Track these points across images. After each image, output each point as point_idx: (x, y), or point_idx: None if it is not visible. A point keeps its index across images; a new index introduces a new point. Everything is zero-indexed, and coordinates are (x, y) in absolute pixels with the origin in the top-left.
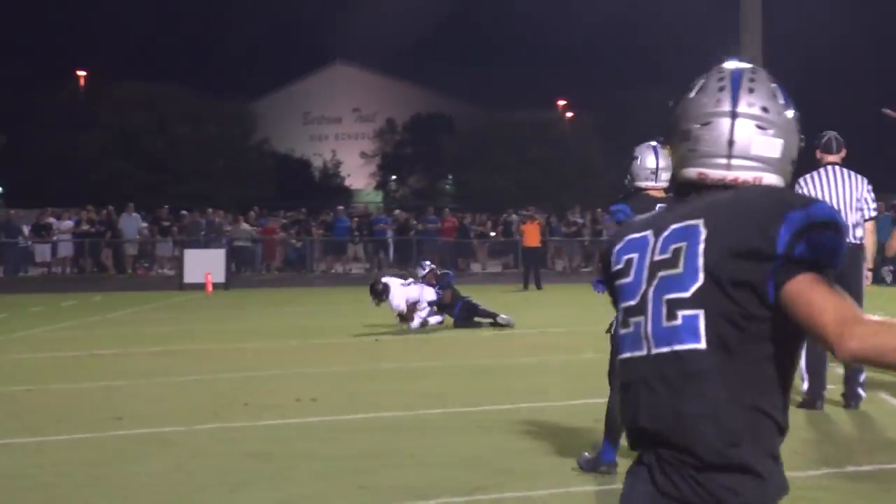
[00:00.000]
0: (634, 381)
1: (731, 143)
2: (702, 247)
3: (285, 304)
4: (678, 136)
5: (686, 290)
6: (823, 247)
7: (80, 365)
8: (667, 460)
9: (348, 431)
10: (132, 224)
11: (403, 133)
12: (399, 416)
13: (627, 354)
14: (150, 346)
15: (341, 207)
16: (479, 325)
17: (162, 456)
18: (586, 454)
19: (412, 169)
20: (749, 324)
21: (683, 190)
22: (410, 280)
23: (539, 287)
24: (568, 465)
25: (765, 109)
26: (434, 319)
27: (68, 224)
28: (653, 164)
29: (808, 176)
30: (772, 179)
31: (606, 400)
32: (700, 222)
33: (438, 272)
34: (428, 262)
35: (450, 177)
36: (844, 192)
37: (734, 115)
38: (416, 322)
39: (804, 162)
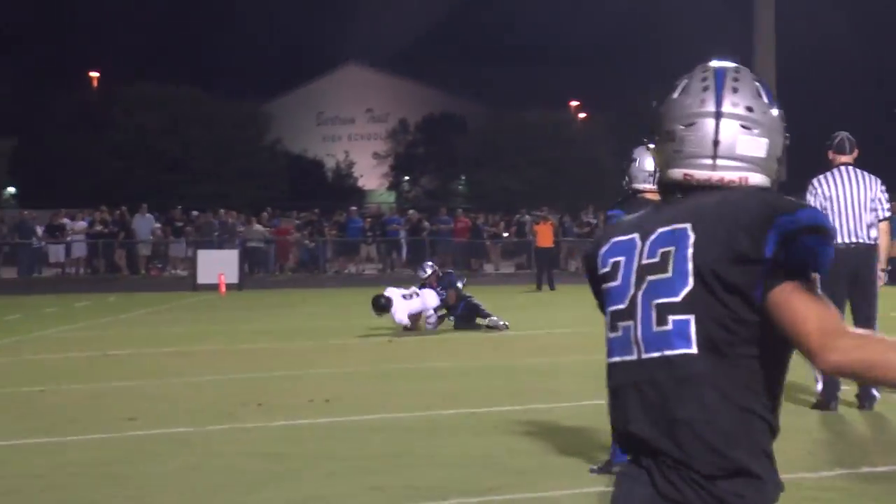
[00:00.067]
0: (624, 385)
1: (716, 143)
2: (690, 251)
3: (298, 305)
4: (663, 137)
5: (676, 294)
6: (811, 251)
7: (94, 365)
8: (666, 464)
9: (361, 432)
10: (145, 225)
11: (416, 133)
12: (412, 416)
13: (617, 359)
14: (164, 347)
15: (354, 208)
16: (479, 326)
17: (176, 456)
18: (593, 467)
19: (425, 169)
20: (740, 327)
21: (669, 191)
22: (413, 290)
23: (552, 288)
24: (580, 465)
25: (749, 109)
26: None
27: (82, 225)
28: (651, 167)
29: (821, 177)
30: (757, 179)
31: None
32: (688, 226)
33: (440, 273)
34: (430, 264)
35: (462, 177)
36: (858, 193)
37: (718, 115)
38: (430, 326)
39: (817, 163)
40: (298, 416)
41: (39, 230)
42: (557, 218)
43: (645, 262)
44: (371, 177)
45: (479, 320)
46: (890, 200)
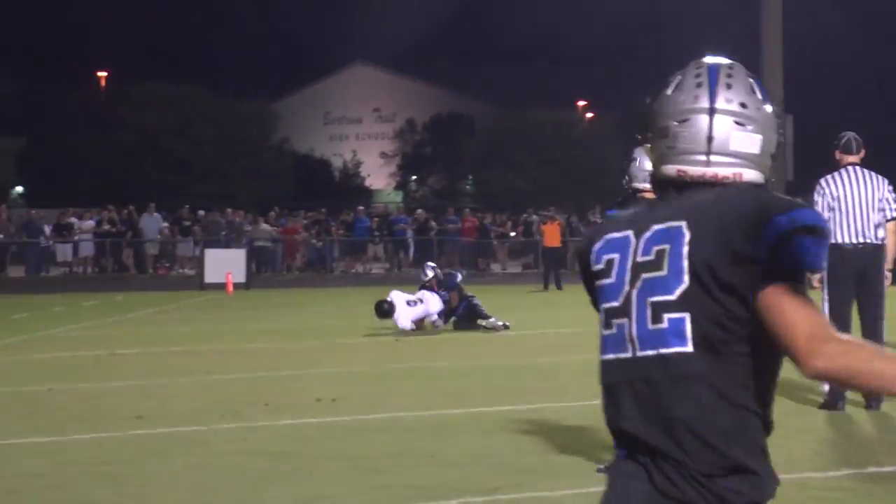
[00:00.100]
0: (618, 382)
1: (709, 139)
2: (686, 249)
3: (305, 305)
4: (656, 134)
5: (671, 292)
6: (807, 251)
7: (102, 364)
8: (665, 462)
9: (368, 431)
10: (153, 224)
11: (423, 133)
12: (418, 415)
13: (611, 356)
14: (171, 346)
15: (361, 207)
16: (479, 327)
17: (182, 455)
18: (600, 466)
19: (432, 169)
20: (735, 325)
21: (662, 187)
22: (417, 297)
23: (559, 287)
24: (585, 464)
25: (743, 105)
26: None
27: (90, 224)
28: (651, 166)
29: (828, 177)
30: (751, 175)
31: None
32: (683, 224)
33: (441, 276)
34: (431, 265)
35: (470, 177)
36: (866, 193)
37: (712, 111)
38: (436, 328)
39: (824, 163)
40: (305, 415)
41: (47, 229)
42: (565, 218)
43: (640, 259)
44: (378, 176)
45: (479, 321)
46: None
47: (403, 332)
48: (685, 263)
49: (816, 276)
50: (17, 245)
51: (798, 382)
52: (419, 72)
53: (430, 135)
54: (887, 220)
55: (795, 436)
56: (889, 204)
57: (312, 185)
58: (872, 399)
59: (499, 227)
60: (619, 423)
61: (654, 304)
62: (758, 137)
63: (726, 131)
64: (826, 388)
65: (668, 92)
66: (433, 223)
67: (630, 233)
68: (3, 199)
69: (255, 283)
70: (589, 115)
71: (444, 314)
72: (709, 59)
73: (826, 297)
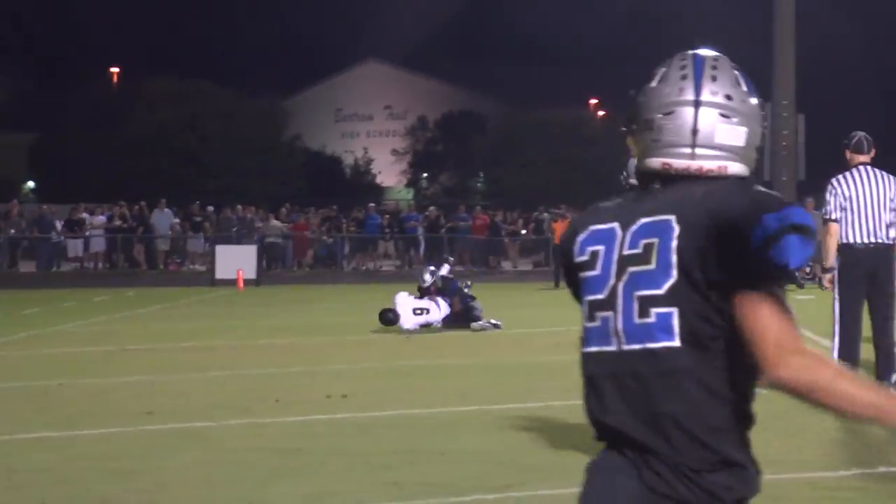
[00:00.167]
0: (602, 375)
1: (694, 132)
2: (675, 244)
3: (316, 301)
4: (641, 126)
5: (659, 287)
6: (794, 251)
7: (112, 360)
8: (653, 457)
9: (378, 428)
10: (164, 220)
11: (435, 130)
12: (429, 412)
13: (594, 349)
14: (182, 342)
15: (372, 204)
16: (468, 327)
17: (192, 450)
18: None
19: (443, 166)
20: (722, 321)
21: (647, 180)
22: (424, 306)
23: None
24: None
25: (728, 97)
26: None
27: (101, 219)
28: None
29: (840, 177)
30: (736, 168)
31: None
32: (672, 218)
33: (440, 282)
34: (431, 269)
35: (481, 174)
36: (877, 192)
37: (697, 103)
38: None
39: (835, 163)
40: (314, 411)
41: (58, 225)
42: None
43: (626, 252)
44: (389, 174)
45: (471, 324)
46: None
47: (422, 328)
48: (674, 258)
49: (827, 276)
50: (28, 240)
51: None
52: (431, 69)
53: (441, 132)
54: None
55: (806, 435)
56: None
57: (323, 181)
58: None
59: (510, 224)
60: (603, 416)
61: (642, 298)
62: (743, 130)
63: (711, 124)
64: None
65: (653, 84)
66: (443, 221)
67: (616, 225)
68: (14, 194)
69: (265, 279)
70: (601, 112)
71: (449, 319)
72: (694, 51)
73: (837, 296)
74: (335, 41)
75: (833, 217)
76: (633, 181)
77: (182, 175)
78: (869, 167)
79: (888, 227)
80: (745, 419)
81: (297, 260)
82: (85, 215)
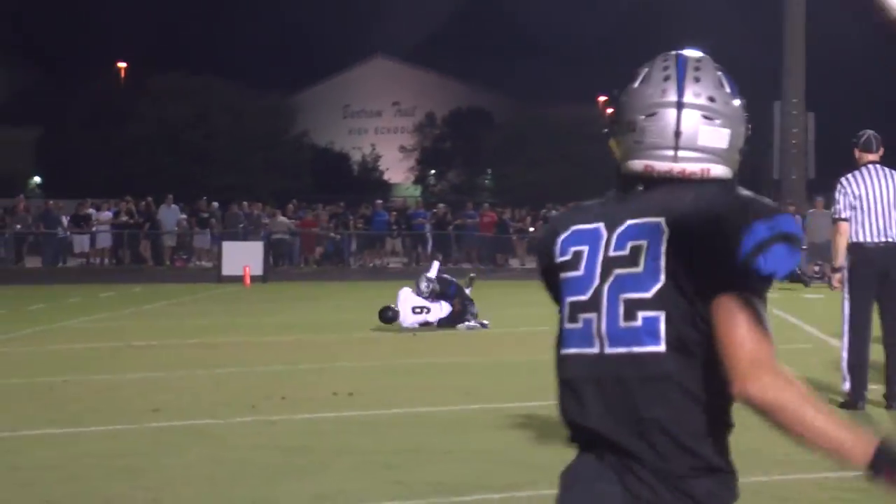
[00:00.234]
0: (582, 378)
1: (677, 134)
2: (664, 247)
3: (323, 298)
4: (623, 128)
5: (646, 290)
6: (782, 260)
7: (118, 356)
8: (636, 464)
9: (385, 426)
10: (171, 215)
11: (443, 127)
12: (435, 411)
13: (574, 350)
14: (188, 338)
15: (380, 201)
16: (460, 326)
17: (198, 448)
18: None
19: (451, 163)
20: (707, 327)
21: (629, 182)
22: (424, 306)
23: None
24: None
25: (711, 99)
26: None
27: (107, 215)
28: None
29: (849, 175)
30: (719, 171)
31: None
32: (661, 221)
33: (438, 287)
34: (430, 277)
35: (489, 171)
36: (888, 191)
37: (680, 105)
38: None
39: (845, 161)
40: (321, 409)
41: (65, 220)
42: None
43: (612, 254)
44: (397, 170)
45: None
46: None
47: (428, 326)
48: (662, 261)
49: (836, 276)
50: (34, 235)
51: (818, 383)
52: (439, 65)
53: (449, 129)
54: None
55: None
56: None
57: (331, 178)
58: (893, 399)
59: (517, 222)
60: (583, 420)
61: (628, 301)
62: (726, 132)
63: (694, 126)
64: (847, 387)
65: (635, 85)
66: (450, 218)
67: (600, 225)
68: (20, 189)
69: (272, 276)
70: (609, 110)
71: (449, 320)
72: (677, 52)
73: (847, 296)
74: (343, 37)
75: (843, 216)
76: None
77: (189, 171)
78: (878, 166)
79: None
80: (726, 425)
81: (305, 257)
82: (91, 211)
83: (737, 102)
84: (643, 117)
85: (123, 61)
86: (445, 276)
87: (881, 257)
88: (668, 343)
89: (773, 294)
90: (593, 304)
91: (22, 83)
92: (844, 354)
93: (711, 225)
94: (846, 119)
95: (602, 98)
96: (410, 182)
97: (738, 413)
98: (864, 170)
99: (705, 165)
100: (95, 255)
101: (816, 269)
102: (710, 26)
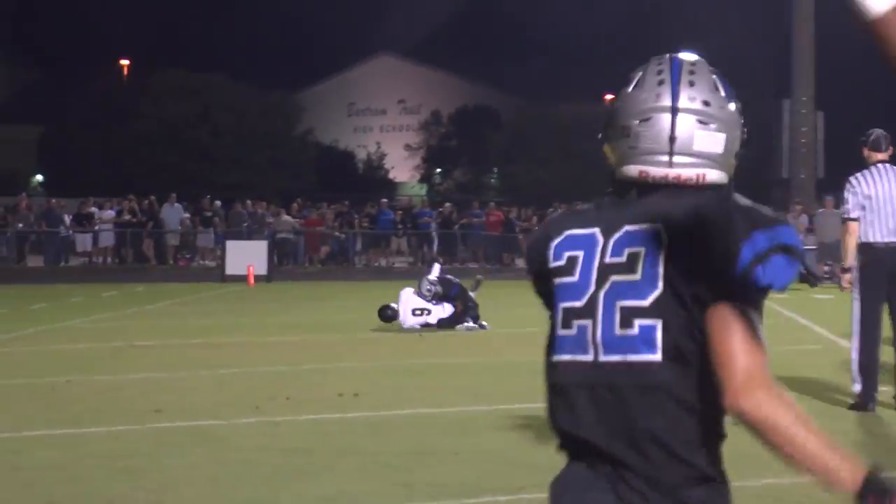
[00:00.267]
0: (574, 385)
1: (672, 139)
2: (662, 255)
3: (327, 298)
4: (617, 133)
5: (644, 298)
6: (780, 272)
7: (120, 356)
8: (630, 473)
9: (391, 427)
10: (174, 214)
11: (449, 126)
12: (442, 412)
13: (567, 357)
14: (191, 339)
15: (385, 200)
16: (459, 326)
17: (201, 449)
18: None
19: (457, 162)
20: (703, 337)
21: (623, 187)
22: (425, 308)
23: None
24: None
25: (706, 103)
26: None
27: (110, 214)
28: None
29: (859, 175)
30: (714, 176)
31: None
32: (659, 228)
33: (441, 290)
34: (433, 280)
35: (495, 170)
36: None
37: (675, 110)
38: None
39: (856, 160)
40: (326, 410)
41: (67, 219)
42: None
43: (609, 260)
44: (402, 169)
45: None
46: None
47: (416, 329)
48: (660, 269)
49: (846, 276)
50: (36, 234)
51: (828, 384)
52: (445, 63)
53: (455, 127)
54: None
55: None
56: None
57: (336, 176)
58: None
59: (524, 221)
60: (575, 429)
61: (625, 309)
62: (721, 136)
63: (689, 131)
64: (857, 389)
65: (629, 89)
66: (456, 217)
67: (596, 230)
68: (23, 187)
69: (276, 275)
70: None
71: (451, 321)
72: (671, 55)
73: (857, 297)
74: (348, 34)
75: (853, 216)
76: None
77: (192, 169)
78: (888, 165)
79: None
80: (719, 435)
81: (309, 256)
82: (94, 209)
83: (732, 106)
84: (637, 122)
85: (126, 58)
86: (448, 276)
87: (891, 257)
88: (664, 352)
89: (782, 295)
90: (588, 311)
91: (24, 80)
92: (855, 355)
93: (711, 233)
94: (856, 118)
95: (610, 96)
96: (416, 181)
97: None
98: (873, 169)
99: (701, 171)
100: (98, 255)
101: (826, 269)
102: (717, 23)
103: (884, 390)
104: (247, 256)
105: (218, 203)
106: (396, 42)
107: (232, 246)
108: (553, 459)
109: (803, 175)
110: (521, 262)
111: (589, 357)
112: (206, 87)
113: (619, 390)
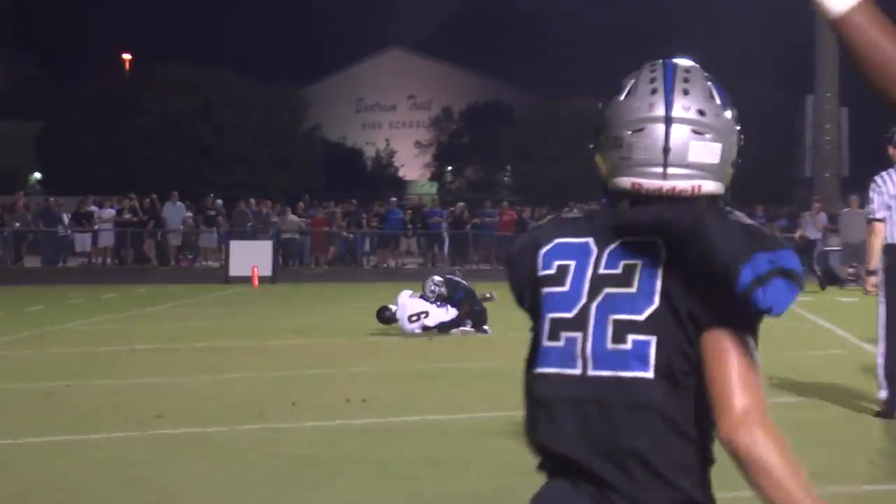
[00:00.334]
0: (558, 399)
1: (666, 150)
2: (661, 269)
3: (334, 300)
4: (609, 143)
5: (639, 312)
6: (780, 295)
7: (121, 360)
8: (613, 492)
9: (399, 434)
10: (176, 213)
11: (460, 122)
12: (452, 418)
13: (553, 370)
14: (194, 342)
15: (394, 199)
16: (454, 331)
17: (203, 457)
18: None
19: (469, 160)
20: (695, 356)
21: (616, 198)
22: (422, 312)
23: None
24: None
25: (701, 112)
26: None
27: (110, 213)
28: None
29: (884, 174)
30: (710, 187)
31: None
32: (657, 241)
33: (445, 293)
34: (435, 281)
35: (508, 168)
36: None
37: (669, 120)
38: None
39: (881, 159)
40: (333, 416)
41: (66, 218)
42: None
43: (603, 271)
44: (412, 167)
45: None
46: None
47: (436, 332)
48: (658, 284)
49: (871, 279)
50: (34, 234)
51: (853, 390)
52: (456, 58)
53: (467, 124)
54: None
55: (851, 446)
56: None
57: (343, 174)
58: None
59: (538, 221)
60: (556, 445)
61: (618, 323)
62: (717, 146)
63: (684, 141)
64: (883, 395)
65: (621, 98)
66: (467, 216)
67: (590, 240)
68: (20, 185)
69: (281, 276)
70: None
71: (452, 325)
72: (664, 61)
73: (883, 300)
74: (357, 27)
75: (878, 216)
76: None
77: (195, 167)
78: None
79: None
80: (708, 459)
81: (315, 257)
82: (93, 208)
83: (728, 114)
84: (630, 133)
85: (127, 52)
86: (456, 278)
87: None
88: (656, 369)
89: (806, 297)
90: (579, 323)
91: (22, 75)
92: (880, 360)
93: (711, 250)
94: (881, 115)
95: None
96: (426, 179)
97: None
98: None
99: (696, 182)
100: (97, 255)
101: (851, 270)
102: (737, 17)
103: None
104: (251, 257)
105: (220, 202)
106: (406, 35)
107: (236, 246)
108: None
109: (827, 174)
110: None
111: (577, 371)
112: (210, 81)
113: (606, 406)
